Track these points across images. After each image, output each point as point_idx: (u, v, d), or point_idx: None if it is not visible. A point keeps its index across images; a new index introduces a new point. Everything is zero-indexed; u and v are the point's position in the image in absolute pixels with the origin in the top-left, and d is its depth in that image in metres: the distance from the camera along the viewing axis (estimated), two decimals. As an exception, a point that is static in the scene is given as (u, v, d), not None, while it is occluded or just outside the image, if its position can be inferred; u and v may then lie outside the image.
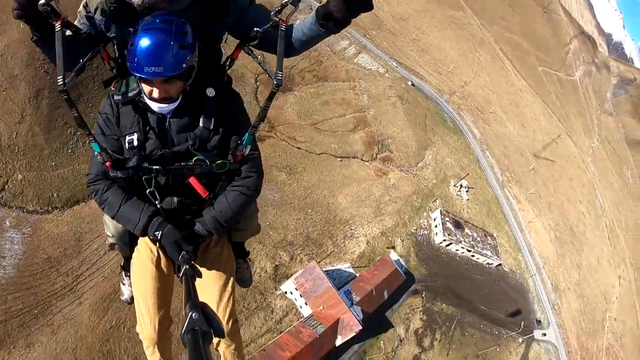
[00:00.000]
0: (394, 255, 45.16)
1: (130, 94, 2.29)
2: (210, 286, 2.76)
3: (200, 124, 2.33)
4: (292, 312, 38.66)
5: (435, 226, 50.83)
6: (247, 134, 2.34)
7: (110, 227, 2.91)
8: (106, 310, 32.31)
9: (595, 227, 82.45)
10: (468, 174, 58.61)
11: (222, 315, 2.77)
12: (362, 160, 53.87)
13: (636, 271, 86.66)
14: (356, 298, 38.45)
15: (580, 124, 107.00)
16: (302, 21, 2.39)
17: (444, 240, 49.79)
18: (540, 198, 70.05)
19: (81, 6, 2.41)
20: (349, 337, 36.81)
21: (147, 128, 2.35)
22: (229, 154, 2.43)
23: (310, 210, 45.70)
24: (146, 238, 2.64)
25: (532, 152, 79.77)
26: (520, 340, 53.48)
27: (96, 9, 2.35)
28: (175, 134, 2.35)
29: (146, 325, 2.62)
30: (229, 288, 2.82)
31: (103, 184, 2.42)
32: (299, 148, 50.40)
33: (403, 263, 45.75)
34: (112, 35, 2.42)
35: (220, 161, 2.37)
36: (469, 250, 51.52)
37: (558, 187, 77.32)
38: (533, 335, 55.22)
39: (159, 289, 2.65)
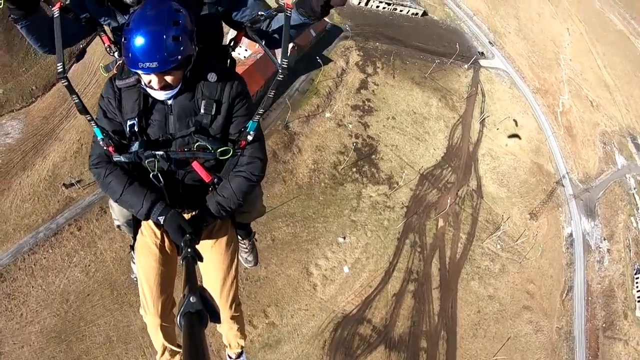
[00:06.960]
0: (317, 16, 51.45)
1: (130, 79, 2.26)
2: (213, 270, 2.79)
3: (202, 110, 2.30)
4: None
5: (350, -7, 56.80)
6: (251, 120, 2.33)
7: (116, 210, 2.97)
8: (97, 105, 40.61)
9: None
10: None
11: (226, 298, 2.82)
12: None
13: (586, 26, 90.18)
14: (284, 34, 45.12)
15: None
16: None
17: (360, -1, 55.89)
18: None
19: None
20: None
21: (149, 113, 2.34)
22: (231, 139, 2.41)
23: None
24: (150, 221, 2.63)
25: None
26: (466, 66, 59.51)
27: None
28: (177, 119, 2.32)
29: (149, 308, 2.66)
30: (232, 272, 2.83)
31: (105, 168, 2.40)
32: None
33: (327, 20, 52.11)
34: (105, 22, 2.45)
35: (223, 148, 2.33)
36: (388, 4, 57.42)
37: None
38: (478, 60, 61.07)
39: (162, 272, 2.67)
